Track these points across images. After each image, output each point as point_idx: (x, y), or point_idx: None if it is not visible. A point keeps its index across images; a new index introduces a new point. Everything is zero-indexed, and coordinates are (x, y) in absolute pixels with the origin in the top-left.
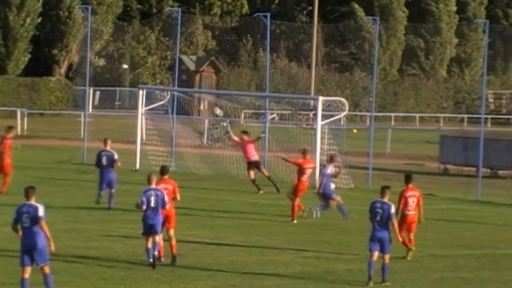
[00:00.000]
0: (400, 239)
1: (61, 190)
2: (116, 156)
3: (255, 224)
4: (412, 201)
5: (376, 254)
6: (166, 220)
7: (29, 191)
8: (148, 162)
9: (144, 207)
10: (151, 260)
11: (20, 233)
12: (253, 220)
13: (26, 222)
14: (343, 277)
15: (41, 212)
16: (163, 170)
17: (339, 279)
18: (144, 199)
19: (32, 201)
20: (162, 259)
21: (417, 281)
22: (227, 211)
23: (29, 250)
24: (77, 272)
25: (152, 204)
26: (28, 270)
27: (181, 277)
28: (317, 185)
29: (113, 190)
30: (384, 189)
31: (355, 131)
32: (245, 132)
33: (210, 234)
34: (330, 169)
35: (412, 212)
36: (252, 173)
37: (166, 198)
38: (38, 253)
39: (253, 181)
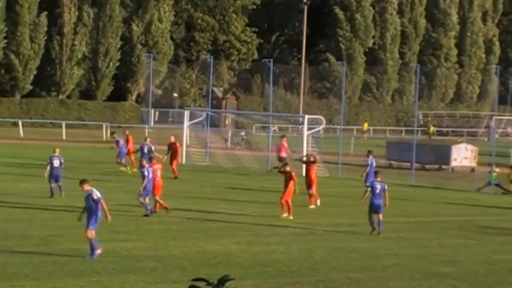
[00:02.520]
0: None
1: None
2: (153, 148)
3: (265, 200)
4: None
5: (375, 215)
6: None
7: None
8: (191, 159)
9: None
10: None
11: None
12: (264, 198)
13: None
14: (321, 235)
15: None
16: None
17: (317, 237)
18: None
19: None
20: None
21: (371, 239)
22: (244, 192)
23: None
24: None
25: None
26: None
27: (213, 236)
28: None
29: None
30: (376, 174)
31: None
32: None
33: (232, 206)
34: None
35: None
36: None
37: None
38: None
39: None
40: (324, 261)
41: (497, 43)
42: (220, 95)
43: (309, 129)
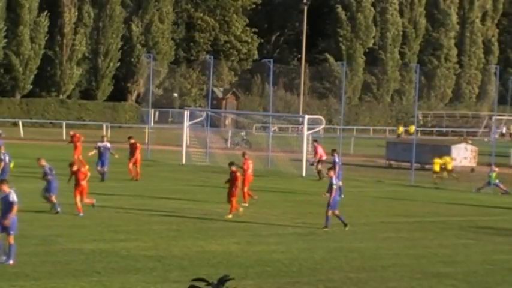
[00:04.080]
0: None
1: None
2: (109, 145)
3: (262, 200)
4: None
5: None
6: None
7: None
8: (191, 159)
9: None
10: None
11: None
12: (263, 197)
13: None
14: (321, 235)
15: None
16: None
17: (317, 237)
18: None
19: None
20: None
21: (371, 239)
22: None
23: None
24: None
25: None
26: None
27: (213, 236)
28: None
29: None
30: (331, 170)
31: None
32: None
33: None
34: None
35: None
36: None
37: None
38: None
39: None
40: (324, 261)
41: (496, 43)
42: (220, 95)
43: (308, 129)
